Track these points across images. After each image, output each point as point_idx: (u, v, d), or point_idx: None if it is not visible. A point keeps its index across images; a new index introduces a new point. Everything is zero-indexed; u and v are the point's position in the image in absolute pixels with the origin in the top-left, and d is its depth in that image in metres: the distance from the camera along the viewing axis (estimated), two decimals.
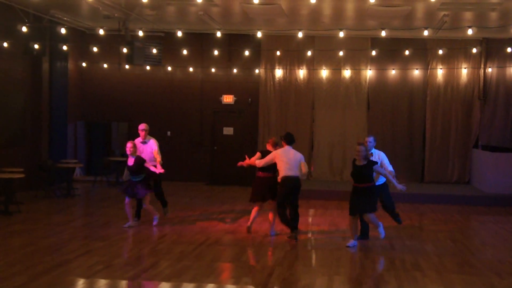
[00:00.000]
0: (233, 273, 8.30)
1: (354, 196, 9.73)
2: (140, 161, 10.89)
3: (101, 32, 15.44)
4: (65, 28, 15.42)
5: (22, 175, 12.55)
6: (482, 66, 17.56)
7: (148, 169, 10.95)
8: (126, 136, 18.67)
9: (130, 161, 10.96)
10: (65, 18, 16.08)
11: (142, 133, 11.60)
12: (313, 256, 9.35)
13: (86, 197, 15.33)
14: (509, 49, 16.67)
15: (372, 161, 9.73)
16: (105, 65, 18.36)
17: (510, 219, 13.59)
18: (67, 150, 17.34)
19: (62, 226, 11.11)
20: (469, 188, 16.93)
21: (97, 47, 17.38)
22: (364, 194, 9.58)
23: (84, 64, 18.49)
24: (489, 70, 17.56)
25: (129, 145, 10.98)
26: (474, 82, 17.68)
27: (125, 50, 15.64)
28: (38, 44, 14.44)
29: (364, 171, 9.54)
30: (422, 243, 10.32)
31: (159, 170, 10.92)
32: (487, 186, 15.83)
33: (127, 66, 17.70)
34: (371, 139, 10.43)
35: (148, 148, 11.52)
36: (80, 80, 18.58)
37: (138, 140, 11.60)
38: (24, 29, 14.03)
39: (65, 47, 16.44)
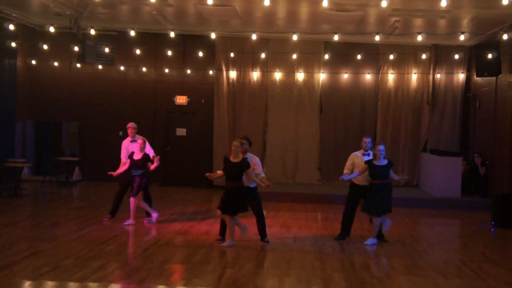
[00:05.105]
0: (183, 274, 8.26)
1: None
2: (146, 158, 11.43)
3: (52, 29, 15.19)
4: (14, 25, 15.08)
5: None
6: (431, 71, 17.99)
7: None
8: (77, 135, 18.37)
9: (137, 156, 11.36)
10: (14, 14, 15.70)
11: (129, 131, 12.03)
12: (264, 258, 9.38)
13: (34, 197, 14.99)
14: (456, 56, 17.17)
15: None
16: (56, 63, 18.00)
17: (456, 221, 13.97)
18: (15, 149, 16.93)
19: (9, 227, 10.84)
20: (418, 191, 17.28)
21: (48, 45, 17.03)
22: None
23: (33, 62, 18.07)
24: (438, 76, 18.01)
25: (140, 141, 11.39)
26: (424, 87, 18.09)
27: (76, 48, 15.38)
28: None
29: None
30: (372, 245, 10.47)
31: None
32: (435, 189, 16.18)
33: (78, 65, 17.41)
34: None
35: (136, 146, 11.60)
36: (29, 78, 18.16)
37: (128, 139, 12.05)
38: None
39: (13, 44, 16.08)
